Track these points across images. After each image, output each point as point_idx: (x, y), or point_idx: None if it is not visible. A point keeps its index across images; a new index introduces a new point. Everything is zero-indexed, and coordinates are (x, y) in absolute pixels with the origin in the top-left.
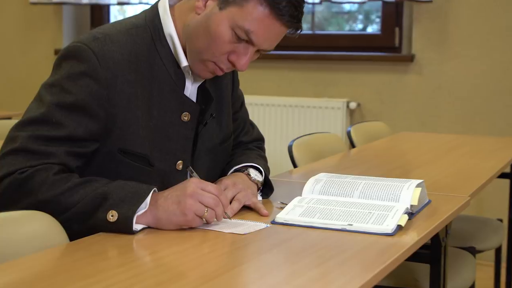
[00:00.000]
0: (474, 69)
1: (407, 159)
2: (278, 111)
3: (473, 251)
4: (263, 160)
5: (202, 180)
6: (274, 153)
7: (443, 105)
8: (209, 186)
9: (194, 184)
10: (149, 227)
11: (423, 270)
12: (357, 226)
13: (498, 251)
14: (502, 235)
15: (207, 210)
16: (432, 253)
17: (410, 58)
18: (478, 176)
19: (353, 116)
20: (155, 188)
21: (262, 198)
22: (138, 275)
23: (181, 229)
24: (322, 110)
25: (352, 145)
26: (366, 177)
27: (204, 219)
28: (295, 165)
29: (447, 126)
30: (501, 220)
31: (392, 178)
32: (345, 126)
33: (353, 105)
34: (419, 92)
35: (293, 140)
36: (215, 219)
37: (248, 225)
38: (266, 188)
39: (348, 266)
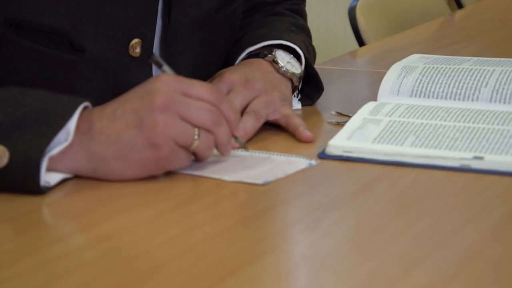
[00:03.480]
0: None
1: None
2: None
3: None
4: (303, 34)
5: (181, 77)
6: (321, 25)
7: None
8: (198, 85)
9: (167, 83)
10: (75, 177)
11: None
12: (492, 161)
13: None
14: None
15: (198, 134)
16: None
17: None
18: None
19: None
20: (87, 103)
21: (302, 106)
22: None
23: (143, 179)
24: None
25: (458, 4)
26: (501, 59)
27: (192, 154)
28: (361, 43)
29: None
30: None
31: None
32: None
33: None
34: None
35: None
36: (214, 154)
37: (274, 163)
38: (309, 87)
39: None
